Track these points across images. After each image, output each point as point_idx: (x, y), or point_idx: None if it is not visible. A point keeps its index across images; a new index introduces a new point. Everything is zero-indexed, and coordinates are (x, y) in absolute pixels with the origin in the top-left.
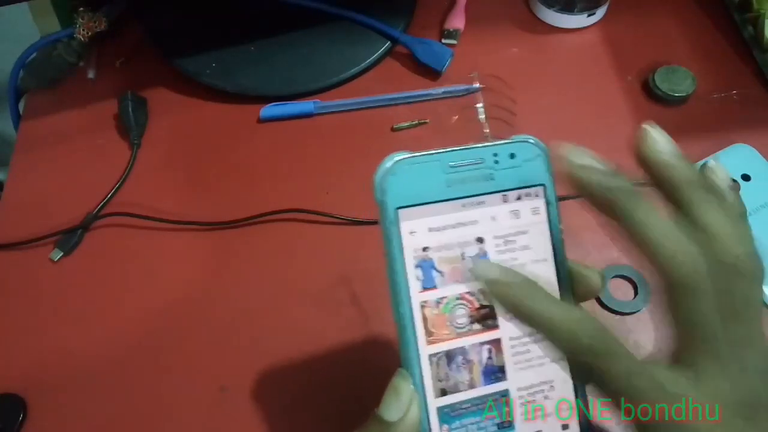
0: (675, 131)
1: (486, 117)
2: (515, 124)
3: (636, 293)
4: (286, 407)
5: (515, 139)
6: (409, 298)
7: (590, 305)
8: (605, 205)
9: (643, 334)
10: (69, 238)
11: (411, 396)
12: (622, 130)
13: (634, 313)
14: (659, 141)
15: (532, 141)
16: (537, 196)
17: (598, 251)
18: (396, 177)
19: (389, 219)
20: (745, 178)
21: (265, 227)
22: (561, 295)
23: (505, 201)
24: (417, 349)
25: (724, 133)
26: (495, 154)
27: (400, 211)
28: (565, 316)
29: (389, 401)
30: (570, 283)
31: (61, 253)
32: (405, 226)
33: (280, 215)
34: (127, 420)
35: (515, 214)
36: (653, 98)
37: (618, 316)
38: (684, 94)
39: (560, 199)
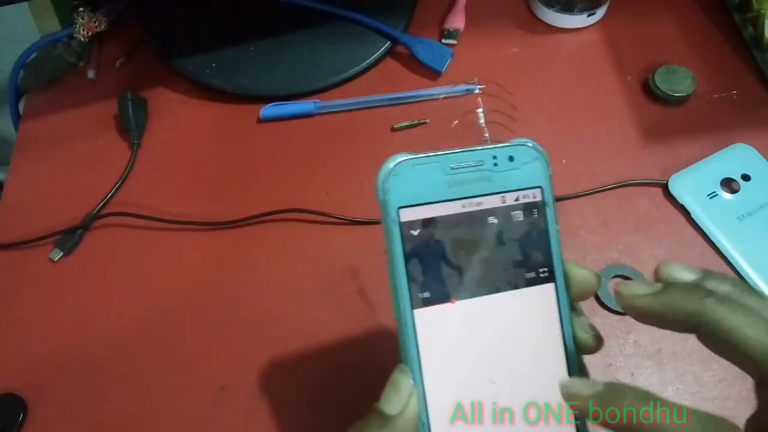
0: (675, 131)
1: (485, 121)
2: (514, 128)
3: None
4: (289, 404)
5: (514, 142)
6: (409, 295)
7: (591, 305)
8: (677, 323)
9: (643, 334)
10: (69, 238)
11: (410, 391)
12: (621, 130)
13: None
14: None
15: (530, 144)
16: (534, 197)
17: (598, 251)
18: (398, 178)
19: (391, 218)
20: (745, 178)
21: (265, 227)
22: (558, 296)
23: (504, 202)
24: (417, 346)
25: (724, 133)
26: (494, 157)
27: (401, 210)
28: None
29: (389, 395)
30: (567, 283)
31: (61, 253)
32: (407, 225)
33: (280, 215)
34: (127, 419)
35: (514, 215)
36: (653, 98)
37: (618, 316)
38: (684, 94)
39: (561, 198)
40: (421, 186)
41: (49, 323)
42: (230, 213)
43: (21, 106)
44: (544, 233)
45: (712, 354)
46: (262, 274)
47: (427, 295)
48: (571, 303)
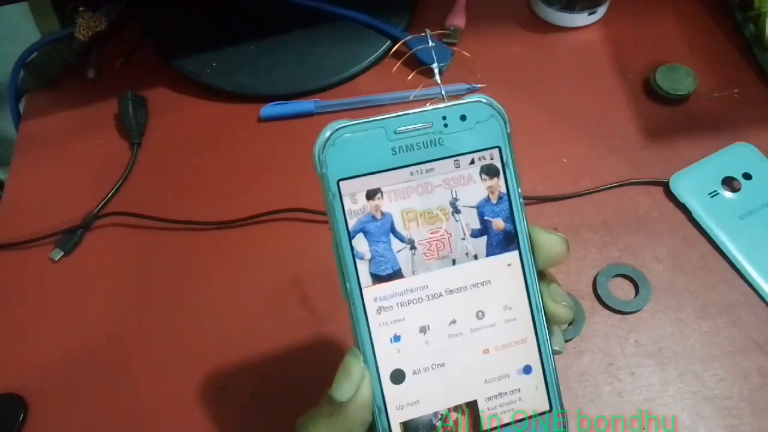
0: (676, 130)
1: (441, 80)
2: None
3: (637, 292)
4: (291, 401)
5: (466, 99)
6: (357, 273)
7: (591, 305)
8: None
9: (643, 333)
10: (69, 237)
11: (362, 375)
12: (622, 128)
13: (635, 312)
14: None
15: (484, 101)
16: (492, 159)
17: (599, 250)
18: (336, 148)
19: (331, 192)
20: (746, 176)
21: (265, 227)
22: (524, 264)
23: (457, 166)
24: (368, 327)
25: (725, 131)
26: (444, 117)
27: (342, 183)
28: None
29: (340, 380)
30: (534, 250)
31: (62, 253)
32: (349, 199)
33: (280, 215)
34: (127, 419)
35: (470, 180)
36: (654, 97)
37: (619, 316)
38: (685, 93)
39: (562, 198)
40: (362, 155)
41: (49, 323)
42: (230, 213)
43: (21, 106)
44: (505, 198)
45: (714, 353)
46: (262, 273)
47: (376, 272)
48: (539, 271)
